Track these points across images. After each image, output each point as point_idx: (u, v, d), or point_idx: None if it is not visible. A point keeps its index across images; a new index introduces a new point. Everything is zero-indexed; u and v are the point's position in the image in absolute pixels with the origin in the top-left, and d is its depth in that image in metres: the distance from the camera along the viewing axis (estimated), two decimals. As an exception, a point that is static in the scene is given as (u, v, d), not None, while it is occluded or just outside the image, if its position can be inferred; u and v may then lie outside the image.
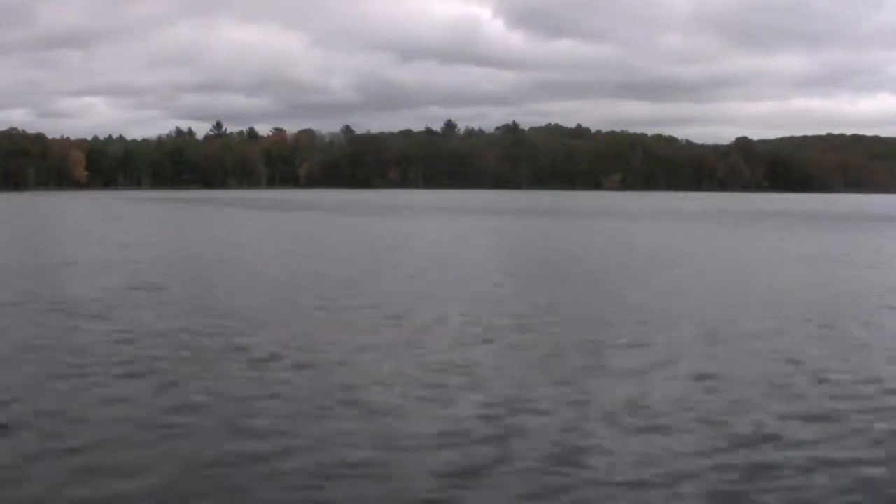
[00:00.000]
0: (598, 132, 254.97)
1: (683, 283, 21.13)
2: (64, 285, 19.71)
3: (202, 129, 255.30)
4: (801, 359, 11.67)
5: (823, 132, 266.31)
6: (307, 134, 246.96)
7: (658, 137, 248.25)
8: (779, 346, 12.56)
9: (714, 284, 21.16)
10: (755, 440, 8.07)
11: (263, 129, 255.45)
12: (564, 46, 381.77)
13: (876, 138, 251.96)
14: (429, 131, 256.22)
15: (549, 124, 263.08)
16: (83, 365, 10.95)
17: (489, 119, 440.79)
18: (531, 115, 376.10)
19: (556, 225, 52.70)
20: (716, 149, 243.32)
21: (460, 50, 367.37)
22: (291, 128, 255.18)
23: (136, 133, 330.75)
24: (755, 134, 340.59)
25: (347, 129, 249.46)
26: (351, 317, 15.18)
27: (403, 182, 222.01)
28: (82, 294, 17.77)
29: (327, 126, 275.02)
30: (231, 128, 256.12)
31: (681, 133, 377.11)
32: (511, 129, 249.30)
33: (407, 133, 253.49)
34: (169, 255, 28.84)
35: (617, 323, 14.68)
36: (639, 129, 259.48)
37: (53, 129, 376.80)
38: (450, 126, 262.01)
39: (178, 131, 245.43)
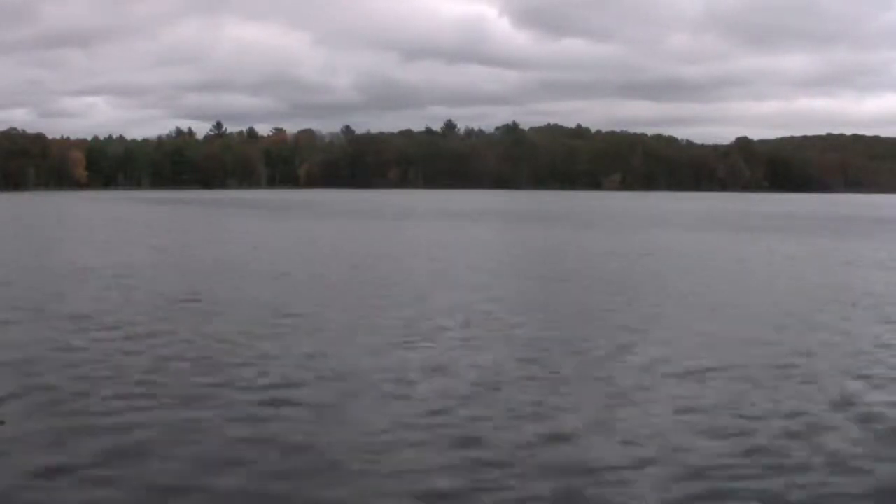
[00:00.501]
0: (598, 132, 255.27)
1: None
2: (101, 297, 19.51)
3: (205, 129, 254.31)
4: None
5: (825, 132, 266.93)
6: (307, 134, 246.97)
7: (658, 137, 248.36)
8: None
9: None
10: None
11: (266, 129, 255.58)
12: (570, 46, 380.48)
13: (876, 138, 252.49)
14: (429, 131, 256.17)
15: (549, 124, 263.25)
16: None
17: (493, 119, 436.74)
18: (536, 115, 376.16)
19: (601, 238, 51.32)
20: (716, 149, 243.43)
21: (465, 49, 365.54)
22: (295, 128, 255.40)
23: (138, 133, 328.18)
24: (760, 134, 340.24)
25: (347, 129, 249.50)
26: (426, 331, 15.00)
27: (403, 182, 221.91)
28: (125, 306, 17.60)
29: (331, 126, 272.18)
30: (234, 128, 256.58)
31: (686, 133, 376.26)
32: (511, 129, 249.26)
33: (407, 133, 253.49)
34: (209, 262, 28.65)
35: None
36: (643, 129, 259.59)
37: (54, 128, 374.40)
38: (450, 126, 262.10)
39: (178, 131, 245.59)
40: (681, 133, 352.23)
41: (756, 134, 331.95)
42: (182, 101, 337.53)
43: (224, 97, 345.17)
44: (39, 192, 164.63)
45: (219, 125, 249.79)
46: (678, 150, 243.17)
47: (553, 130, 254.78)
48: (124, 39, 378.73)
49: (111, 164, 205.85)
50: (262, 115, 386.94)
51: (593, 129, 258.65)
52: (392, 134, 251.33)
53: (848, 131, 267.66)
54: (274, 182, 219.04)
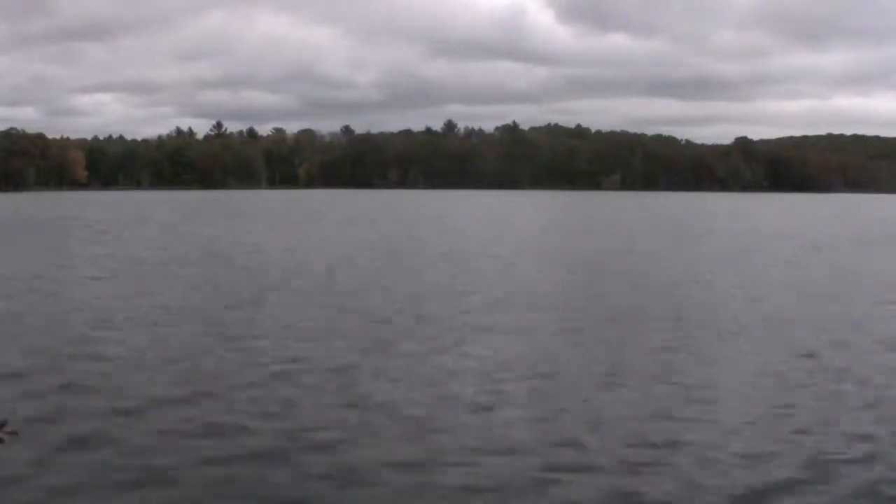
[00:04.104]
0: (598, 132, 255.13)
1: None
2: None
3: (227, 127, 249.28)
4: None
5: (847, 132, 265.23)
6: (307, 134, 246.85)
7: (658, 137, 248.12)
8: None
9: None
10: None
11: (270, 129, 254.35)
12: (612, 41, 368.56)
13: (876, 138, 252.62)
14: (429, 131, 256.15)
15: (550, 124, 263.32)
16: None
17: (514, 117, 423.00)
18: (560, 115, 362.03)
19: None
20: (716, 149, 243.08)
21: (499, 44, 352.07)
22: (314, 125, 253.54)
23: (151, 130, 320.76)
24: (789, 133, 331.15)
25: (347, 130, 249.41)
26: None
27: (403, 182, 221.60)
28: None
29: (350, 123, 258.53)
30: (252, 125, 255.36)
31: (706, 133, 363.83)
32: (511, 129, 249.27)
33: (407, 133, 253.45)
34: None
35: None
36: (664, 129, 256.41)
37: (63, 127, 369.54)
38: (450, 126, 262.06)
39: (179, 131, 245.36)
40: (702, 133, 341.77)
41: (787, 133, 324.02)
42: (199, 98, 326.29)
43: (243, 94, 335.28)
44: (40, 192, 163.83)
45: (219, 125, 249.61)
46: (678, 150, 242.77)
47: (553, 130, 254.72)
48: (145, 32, 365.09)
49: (111, 164, 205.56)
50: (280, 112, 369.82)
51: (593, 129, 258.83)
52: (392, 134, 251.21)
53: (870, 132, 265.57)
54: (274, 182, 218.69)
